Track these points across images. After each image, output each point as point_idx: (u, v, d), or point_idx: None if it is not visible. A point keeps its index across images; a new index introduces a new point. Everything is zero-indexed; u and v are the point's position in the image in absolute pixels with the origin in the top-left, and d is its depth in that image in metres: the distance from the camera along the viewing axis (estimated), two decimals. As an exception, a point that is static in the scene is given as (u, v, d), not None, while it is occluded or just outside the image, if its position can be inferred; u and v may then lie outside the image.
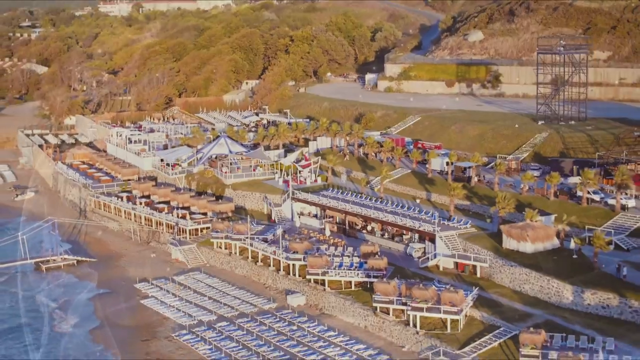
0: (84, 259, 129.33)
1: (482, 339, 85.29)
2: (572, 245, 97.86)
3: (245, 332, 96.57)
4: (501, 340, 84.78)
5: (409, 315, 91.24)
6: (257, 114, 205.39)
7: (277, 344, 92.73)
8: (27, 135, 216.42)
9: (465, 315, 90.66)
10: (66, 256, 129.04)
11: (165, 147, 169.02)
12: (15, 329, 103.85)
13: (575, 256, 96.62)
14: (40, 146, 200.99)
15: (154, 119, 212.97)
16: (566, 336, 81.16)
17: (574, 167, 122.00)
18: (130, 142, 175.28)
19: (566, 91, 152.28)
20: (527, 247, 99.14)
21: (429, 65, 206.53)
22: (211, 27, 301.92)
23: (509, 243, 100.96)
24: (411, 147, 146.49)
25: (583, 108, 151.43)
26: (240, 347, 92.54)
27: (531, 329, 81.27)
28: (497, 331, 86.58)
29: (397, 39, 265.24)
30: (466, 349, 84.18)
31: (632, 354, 77.13)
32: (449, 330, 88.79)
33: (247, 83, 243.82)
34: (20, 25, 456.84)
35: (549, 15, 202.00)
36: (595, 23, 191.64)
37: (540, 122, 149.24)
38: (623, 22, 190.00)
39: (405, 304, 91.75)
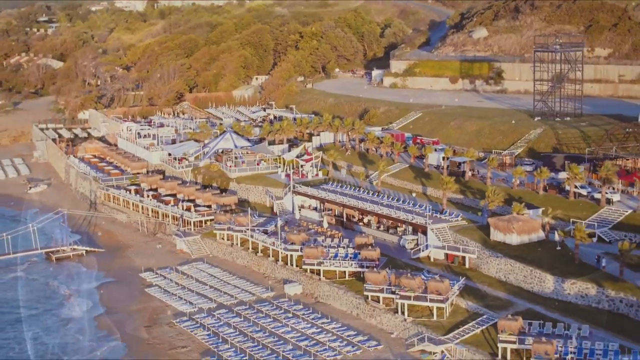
0: (92, 249, 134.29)
1: (466, 326, 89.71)
2: (556, 237, 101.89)
3: (242, 319, 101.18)
4: (483, 327, 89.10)
5: (397, 303, 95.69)
6: (264, 110, 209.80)
7: (273, 330, 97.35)
8: (42, 130, 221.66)
9: (451, 304, 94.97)
10: (75, 246, 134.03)
11: (174, 142, 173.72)
12: (25, 316, 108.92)
13: (558, 248, 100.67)
14: (54, 140, 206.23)
15: (164, 114, 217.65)
16: (543, 323, 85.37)
17: (565, 162, 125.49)
18: (140, 136, 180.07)
19: (563, 88, 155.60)
20: (513, 239, 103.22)
21: (433, 62, 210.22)
22: (223, 23, 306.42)
23: (496, 235, 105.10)
24: (410, 142, 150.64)
25: (579, 105, 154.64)
26: (237, 333, 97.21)
27: (509, 316, 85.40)
28: (480, 319, 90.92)
29: (406, 35, 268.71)
30: (450, 335, 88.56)
31: (604, 340, 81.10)
32: (435, 318, 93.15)
33: (256, 79, 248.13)
34: (37, 21, 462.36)
35: (553, 12, 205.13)
36: (597, 20, 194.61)
37: (536, 119, 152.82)
38: (624, 19, 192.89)
39: (394, 292, 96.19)
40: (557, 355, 78.57)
